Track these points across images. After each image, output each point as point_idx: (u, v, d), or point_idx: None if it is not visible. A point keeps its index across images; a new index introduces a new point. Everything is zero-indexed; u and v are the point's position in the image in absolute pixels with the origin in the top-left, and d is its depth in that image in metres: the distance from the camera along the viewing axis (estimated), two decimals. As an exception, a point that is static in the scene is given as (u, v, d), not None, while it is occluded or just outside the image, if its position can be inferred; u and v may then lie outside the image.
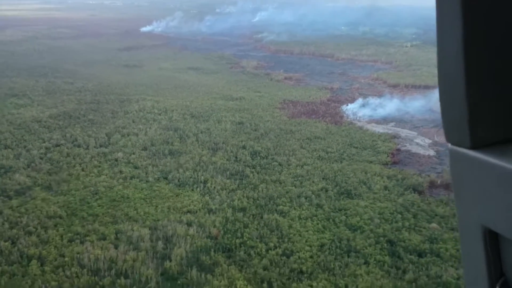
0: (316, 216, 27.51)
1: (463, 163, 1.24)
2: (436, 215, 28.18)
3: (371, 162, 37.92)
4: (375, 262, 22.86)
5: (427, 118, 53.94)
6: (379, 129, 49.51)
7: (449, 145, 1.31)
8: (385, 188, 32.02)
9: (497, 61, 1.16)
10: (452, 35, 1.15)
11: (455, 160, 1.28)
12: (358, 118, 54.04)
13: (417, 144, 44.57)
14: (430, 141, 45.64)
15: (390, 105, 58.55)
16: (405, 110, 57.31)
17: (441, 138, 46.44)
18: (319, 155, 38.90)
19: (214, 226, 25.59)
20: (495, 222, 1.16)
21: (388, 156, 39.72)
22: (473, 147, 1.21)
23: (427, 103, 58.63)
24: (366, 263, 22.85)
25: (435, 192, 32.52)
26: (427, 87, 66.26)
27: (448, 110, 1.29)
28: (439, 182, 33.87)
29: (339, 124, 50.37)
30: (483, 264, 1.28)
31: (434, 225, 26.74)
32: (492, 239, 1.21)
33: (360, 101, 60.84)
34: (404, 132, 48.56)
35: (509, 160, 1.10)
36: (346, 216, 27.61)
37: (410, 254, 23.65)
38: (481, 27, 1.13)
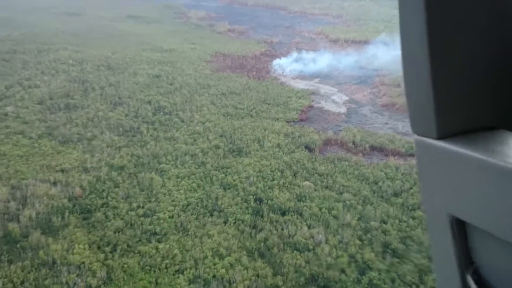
0: (194, 174, 27.16)
1: (429, 154, 1.23)
2: (316, 173, 28.27)
3: (277, 119, 37.55)
4: (234, 221, 22.83)
5: (354, 74, 53.60)
6: (301, 85, 48.92)
7: (415, 135, 1.28)
8: (278, 145, 31.83)
9: (461, 50, 1.15)
10: (415, 26, 1.13)
11: (421, 151, 1.27)
12: (284, 74, 53.18)
13: (333, 101, 44.33)
14: (347, 98, 45.47)
15: (321, 61, 57.77)
16: (336, 66, 56.70)
17: (358, 96, 46.39)
18: (226, 112, 38.23)
19: (81, 186, 24.91)
20: (462, 210, 1.17)
21: (297, 113, 39.40)
22: (439, 137, 1.20)
23: (359, 59, 58.17)
24: (226, 222, 22.79)
25: (328, 150, 32.58)
26: (366, 43, 65.44)
27: (413, 101, 1.26)
28: (334, 140, 33.89)
29: (262, 80, 49.49)
30: (452, 253, 1.27)
31: (307, 183, 26.83)
32: (459, 227, 1.20)
33: (293, 55, 59.83)
34: (325, 89, 48.16)
35: (474, 149, 1.10)
36: (225, 175, 27.36)
37: (273, 213, 23.70)
38: (444, 15, 1.12)
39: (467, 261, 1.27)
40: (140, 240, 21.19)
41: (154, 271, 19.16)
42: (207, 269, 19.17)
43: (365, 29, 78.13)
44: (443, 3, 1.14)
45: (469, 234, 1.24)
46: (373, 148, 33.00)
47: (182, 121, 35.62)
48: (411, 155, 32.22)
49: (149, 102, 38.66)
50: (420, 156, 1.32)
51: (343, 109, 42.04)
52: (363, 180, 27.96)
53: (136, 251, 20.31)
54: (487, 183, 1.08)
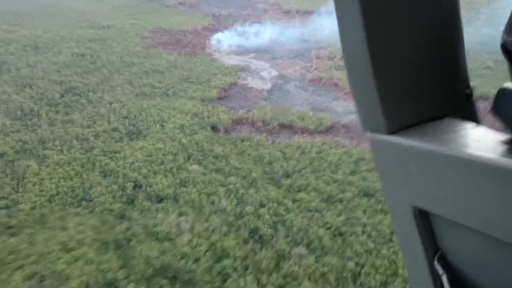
0: (76, 160, 25.77)
1: (383, 149, 1.25)
2: (212, 155, 27.05)
3: (193, 98, 36.03)
4: (101, 211, 21.63)
5: (293, 48, 51.84)
6: (233, 61, 47.15)
7: (368, 132, 1.29)
8: (181, 126, 30.46)
9: (402, 45, 1.17)
10: (353, 26, 1.14)
11: (375, 147, 1.28)
12: (219, 49, 51.26)
13: (260, 77, 42.73)
14: (277, 73, 43.86)
15: (264, 34, 55.82)
16: (278, 39, 54.80)
17: (289, 71, 44.82)
18: (142, 92, 36.60)
19: None
20: (423, 200, 1.19)
21: (217, 91, 37.84)
22: (390, 132, 1.22)
23: (304, 31, 56.31)
24: (91, 212, 21.59)
25: (236, 130, 31.29)
26: (318, 14, 63.36)
27: (360, 99, 1.29)
28: (245, 119, 32.56)
29: (193, 56, 47.61)
30: (418, 242, 1.28)
31: (195, 167, 25.63)
32: (423, 217, 1.24)
33: (236, 29, 57.78)
34: (257, 64, 46.47)
35: (425, 140, 1.13)
36: (111, 160, 26.04)
37: (148, 201, 22.56)
38: (381, 11, 1.13)
39: (432, 248, 1.28)
40: (-11, 235, 19.93)
41: (-8, 268, 17.99)
42: (48, 265, 18.01)
43: (323, -1, 75.85)
44: (378, 6, 1.15)
45: (432, 222, 1.23)
46: (282, 126, 31.74)
47: (90, 103, 33.98)
48: (320, 132, 31.10)
49: (61, 83, 36.84)
50: (375, 152, 1.31)
51: (267, 86, 40.52)
52: (258, 161, 26.81)
53: (-19, 247, 19.08)
54: (441, 172, 1.10)
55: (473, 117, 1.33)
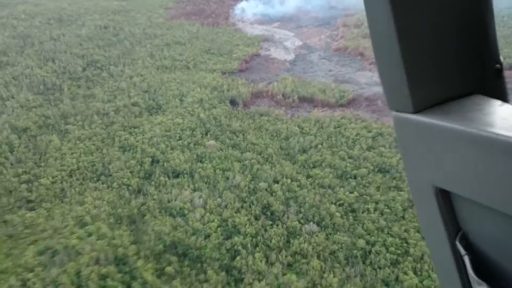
0: (96, 136, 26.30)
1: (408, 128, 1.26)
2: (229, 130, 27.03)
3: (213, 71, 35.82)
4: (118, 186, 22.13)
5: (319, 16, 50.40)
6: (257, 30, 46.32)
7: (393, 112, 1.29)
8: (200, 101, 30.45)
9: (426, 24, 1.16)
10: (380, 6, 1.15)
11: (399, 126, 1.29)
12: (243, 19, 50.40)
13: (284, 47, 41.87)
14: (301, 43, 42.86)
15: (289, 2, 54.41)
16: (303, 7, 53.35)
17: (314, 40, 43.67)
18: (162, 64, 36.64)
19: (-28, 152, 24.43)
20: (445, 180, 1.20)
21: (239, 63, 37.44)
22: (416, 111, 1.22)
23: (332, -2, 54.49)
24: (109, 187, 22.12)
25: (256, 103, 31.03)
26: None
27: (387, 79, 1.28)
28: (265, 92, 32.17)
29: (216, 26, 47.05)
30: (439, 222, 1.32)
31: (212, 142, 25.68)
32: (444, 197, 1.25)
33: (262, -3, 56.52)
34: (280, 34, 45.48)
35: (450, 119, 1.13)
36: (130, 135, 26.44)
37: (165, 176, 22.87)
38: None
39: (454, 228, 1.29)
40: (12, 208, 20.77)
41: (11, 241, 18.82)
42: (61, 240, 18.66)
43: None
44: None
45: (454, 202, 1.26)
46: (303, 99, 31.21)
47: (111, 76, 34.34)
48: (341, 105, 30.44)
49: (83, 56, 37.33)
50: (399, 131, 1.32)
51: (291, 56, 39.70)
52: (275, 136, 26.59)
53: (2, 220, 19.94)
54: (465, 152, 1.10)
55: (502, 94, 1.30)
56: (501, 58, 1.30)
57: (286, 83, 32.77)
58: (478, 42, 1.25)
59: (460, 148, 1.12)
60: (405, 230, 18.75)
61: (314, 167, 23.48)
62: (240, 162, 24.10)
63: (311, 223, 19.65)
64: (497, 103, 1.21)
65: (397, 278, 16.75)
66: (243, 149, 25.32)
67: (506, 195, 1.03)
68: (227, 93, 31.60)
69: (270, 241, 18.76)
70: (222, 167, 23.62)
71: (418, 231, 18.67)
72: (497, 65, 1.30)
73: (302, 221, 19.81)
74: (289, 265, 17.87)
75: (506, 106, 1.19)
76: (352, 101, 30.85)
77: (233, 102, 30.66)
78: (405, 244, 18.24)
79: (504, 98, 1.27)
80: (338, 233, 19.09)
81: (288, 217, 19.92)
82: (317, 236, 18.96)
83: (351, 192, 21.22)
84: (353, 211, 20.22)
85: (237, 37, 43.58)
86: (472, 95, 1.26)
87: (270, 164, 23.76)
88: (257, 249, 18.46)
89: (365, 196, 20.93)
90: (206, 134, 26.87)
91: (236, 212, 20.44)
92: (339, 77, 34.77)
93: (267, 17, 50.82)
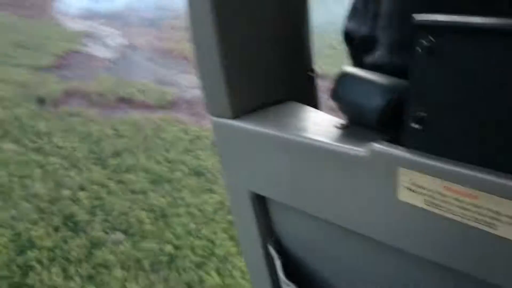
0: None
1: (226, 133, 1.14)
2: (34, 132, 24.37)
3: (22, 66, 32.21)
4: None
5: (149, 16, 49.41)
6: (80, 26, 43.10)
7: (212, 117, 1.14)
8: (1, 99, 27.01)
9: (247, 34, 1.04)
10: (202, 8, 1.00)
11: (218, 131, 1.15)
12: (66, 12, 47.08)
13: (107, 45, 39.79)
14: (127, 43, 41.34)
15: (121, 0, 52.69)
16: (133, 6, 52.03)
17: (140, 40, 42.97)
18: (-44, 55, 31.69)
19: None
20: (260, 185, 1.10)
21: (55, 59, 34.15)
22: (234, 116, 1.09)
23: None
24: None
25: (68, 103, 28.59)
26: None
27: (206, 84, 1.13)
28: (80, 91, 30.29)
29: (35, 18, 42.86)
30: (254, 227, 1.19)
31: (10, 146, 22.99)
32: (259, 202, 1.14)
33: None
34: (105, 31, 43.12)
35: (265, 125, 1.03)
36: None
37: None
38: None
39: (268, 232, 1.20)
40: None
41: None
42: None
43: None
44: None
45: (269, 207, 1.15)
46: (121, 100, 29.87)
47: None
48: (161, 107, 30.23)
49: None
50: (218, 137, 1.17)
51: (113, 55, 37.89)
52: (85, 138, 24.80)
53: None
54: (278, 156, 1.02)
55: (315, 101, 1.21)
56: (315, 67, 1.21)
57: (104, 82, 31.13)
58: (293, 52, 1.19)
59: (274, 153, 1.05)
60: (213, 232, 19.38)
61: (126, 171, 22.65)
62: (42, 167, 22.00)
63: (118, 231, 18.95)
64: (310, 109, 1.13)
65: (200, 280, 17.16)
66: (47, 153, 23.20)
67: (313, 198, 0.95)
68: (34, 91, 28.71)
69: (69, 254, 17.49)
70: (20, 174, 21.28)
71: (225, 232, 19.54)
72: (311, 73, 1.20)
73: (108, 230, 18.98)
74: (90, 277, 16.88)
75: (318, 112, 1.10)
76: (173, 103, 30.87)
77: (41, 101, 28.03)
78: (211, 245, 18.84)
79: (316, 105, 1.21)
80: (145, 240, 18.75)
81: (92, 227, 18.85)
82: (123, 245, 18.32)
83: (163, 197, 21.07)
84: (164, 216, 20.01)
85: (56, 31, 39.98)
86: (287, 102, 1.18)
87: (77, 170, 22.24)
88: (54, 263, 17.02)
89: (177, 199, 21.04)
90: (4, 137, 23.98)
91: (32, 224, 18.52)
92: (161, 79, 34.45)
93: (92, 13, 48.26)
